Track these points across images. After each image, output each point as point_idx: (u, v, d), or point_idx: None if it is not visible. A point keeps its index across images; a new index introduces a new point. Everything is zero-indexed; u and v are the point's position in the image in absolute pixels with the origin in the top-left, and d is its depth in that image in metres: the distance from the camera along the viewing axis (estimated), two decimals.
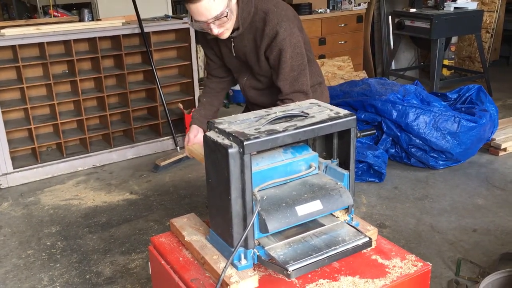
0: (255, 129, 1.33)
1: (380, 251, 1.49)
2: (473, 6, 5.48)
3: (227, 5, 1.87)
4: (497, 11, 6.18)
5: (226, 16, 1.88)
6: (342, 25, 5.81)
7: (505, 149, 4.15)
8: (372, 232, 1.54)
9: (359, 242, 1.41)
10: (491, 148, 4.18)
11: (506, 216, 3.24)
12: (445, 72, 6.36)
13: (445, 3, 5.46)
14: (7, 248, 3.07)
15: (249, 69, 2.22)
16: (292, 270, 1.30)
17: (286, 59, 2.02)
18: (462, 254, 2.82)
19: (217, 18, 1.86)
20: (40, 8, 5.36)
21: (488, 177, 3.80)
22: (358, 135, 1.51)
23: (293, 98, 2.05)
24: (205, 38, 2.22)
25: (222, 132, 1.34)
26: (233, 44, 2.11)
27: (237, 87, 5.68)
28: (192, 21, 1.93)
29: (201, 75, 6.04)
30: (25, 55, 3.96)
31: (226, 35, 1.99)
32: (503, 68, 6.98)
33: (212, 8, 1.83)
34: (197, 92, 4.70)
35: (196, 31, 4.66)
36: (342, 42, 5.87)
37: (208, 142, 1.36)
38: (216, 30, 1.92)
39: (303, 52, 2.09)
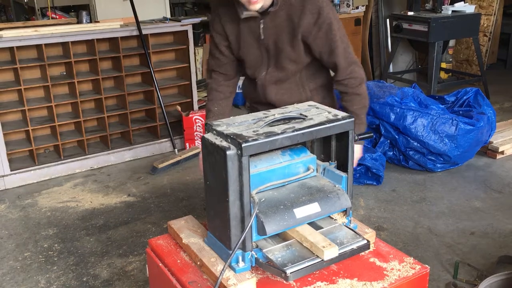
0: (253, 131, 1.33)
1: (378, 254, 1.49)
2: (470, 9, 5.50)
3: None
4: (494, 14, 6.20)
5: None
6: None
7: (502, 152, 4.16)
8: (370, 234, 1.54)
9: (357, 245, 1.41)
10: (489, 151, 4.18)
11: (504, 219, 3.25)
12: (443, 75, 6.37)
13: (443, 6, 5.47)
14: (4, 251, 3.06)
15: (272, 59, 2.02)
16: (290, 273, 1.29)
17: (335, 32, 1.93)
18: (460, 257, 2.82)
19: None
20: (38, 10, 5.35)
21: (485, 180, 3.80)
22: (356, 138, 1.51)
23: (352, 74, 1.98)
24: (222, 25, 2.04)
25: (220, 134, 1.34)
26: (262, 26, 1.94)
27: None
28: None
29: (199, 77, 6.03)
30: (23, 57, 3.96)
31: (258, 6, 1.84)
32: (500, 71, 7.00)
33: None
34: (195, 94, 4.70)
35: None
36: None
37: (206, 144, 1.36)
38: None
39: (341, 23, 2.02)
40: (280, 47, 1.98)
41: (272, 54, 2.01)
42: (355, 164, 1.91)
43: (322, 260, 1.34)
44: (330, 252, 1.34)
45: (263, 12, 1.89)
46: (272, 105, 2.08)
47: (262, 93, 2.10)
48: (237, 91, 5.84)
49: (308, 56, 2.01)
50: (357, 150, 2.02)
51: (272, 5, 1.88)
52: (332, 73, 2.08)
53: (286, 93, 2.09)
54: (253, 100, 2.21)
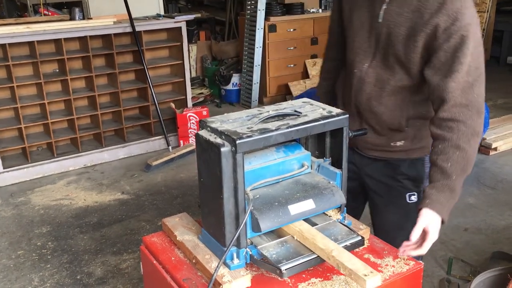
0: (248, 128, 1.32)
1: (372, 250, 1.49)
2: None
3: None
4: (487, 11, 6.22)
5: None
6: None
7: (495, 149, 4.18)
8: (364, 231, 1.54)
9: (352, 241, 1.41)
10: (482, 148, 4.20)
11: (497, 215, 3.26)
12: None
13: None
14: None
15: (380, 51, 1.64)
16: (285, 269, 1.29)
17: (466, 52, 1.45)
18: (453, 253, 2.84)
19: None
20: (30, 6, 5.31)
21: (479, 176, 3.82)
22: (350, 134, 1.50)
23: (463, 116, 1.46)
24: None
25: (214, 131, 1.33)
26: (384, 7, 1.59)
27: (229, 87, 5.67)
28: None
29: (193, 74, 6.03)
30: (15, 54, 3.93)
31: None
32: (493, 68, 7.03)
33: None
34: (189, 92, 4.69)
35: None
36: None
37: (200, 141, 1.35)
38: None
39: (483, 52, 1.51)
40: (392, 41, 1.59)
41: (381, 45, 1.63)
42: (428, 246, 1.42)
43: (317, 256, 1.34)
44: (373, 281, 1.22)
45: None
46: (359, 114, 1.73)
47: (357, 90, 1.70)
48: (231, 88, 5.83)
49: (423, 68, 1.56)
50: (432, 223, 1.43)
51: None
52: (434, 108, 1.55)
53: (379, 106, 1.67)
54: (343, 102, 1.82)
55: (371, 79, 1.66)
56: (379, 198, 1.84)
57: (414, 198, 1.76)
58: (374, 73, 1.66)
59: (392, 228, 1.77)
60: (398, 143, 1.70)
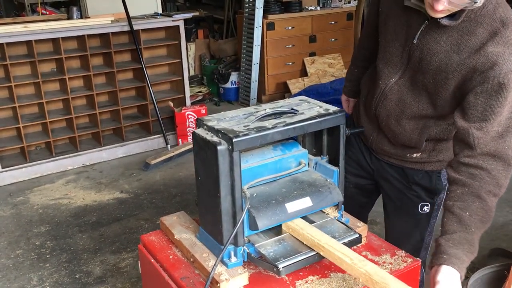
0: (244, 126, 1.32)
1: (370, 248, 1.49)
2: None
3: None
4: None
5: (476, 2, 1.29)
6: (332, 22, 5.83)
7: None
8: (362, 228, 1.54)
9: (349, 239, 1.41)
10: None
11: (495, 211, 3.26)
12: None
13: None
14: None
15: (409, 70, 1.53)
16: (282, 267, 1.29)
17: (503, 102, 1.32)
18: None
19: None
20: (28, 5, 5.31)
21: None
22: (347, 132, 1.50)
23: (489, 166, 1.33)
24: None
25: (211, 129, 1.33)
26: (422, 28, 1.46)
27: (228, 85, 5.67)
28: None
29: (192, 72, 6.02)
30: (13, 53, 3.93)
31: (441, 15, 1.37)
32: None
33: None
34: (188, 90, 4.68)
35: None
36: (333, 39, 5.88)
37: (197, 140, 1.35)
38: (441, 6, 1.32)
39: None
40: (423, 68, 1.47)
41: (411, 67, 1.52)
42: None
43: (315, 254, 1.34)
44: None
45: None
46: (377, 122, 1.67)
47: (378, 102, 1.62)
48: (229, 86, 5.84)
49: (453, 105, 1.45)
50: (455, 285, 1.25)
51: (453, 15, 1.38)
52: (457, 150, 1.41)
53: (397, 126, 1.60)
54: (364, 103, 1.74)
55: (393, 97, 1.57)
56: (392, 204, 1.82)
57: (426, 208, 1.73)
58: (399, 92, 1.56)
59: (401, 235, 1.75)
60: (415, 155, 1.68)
